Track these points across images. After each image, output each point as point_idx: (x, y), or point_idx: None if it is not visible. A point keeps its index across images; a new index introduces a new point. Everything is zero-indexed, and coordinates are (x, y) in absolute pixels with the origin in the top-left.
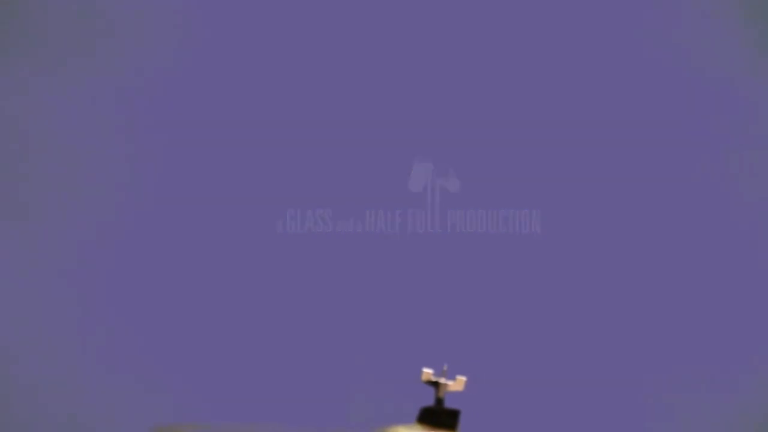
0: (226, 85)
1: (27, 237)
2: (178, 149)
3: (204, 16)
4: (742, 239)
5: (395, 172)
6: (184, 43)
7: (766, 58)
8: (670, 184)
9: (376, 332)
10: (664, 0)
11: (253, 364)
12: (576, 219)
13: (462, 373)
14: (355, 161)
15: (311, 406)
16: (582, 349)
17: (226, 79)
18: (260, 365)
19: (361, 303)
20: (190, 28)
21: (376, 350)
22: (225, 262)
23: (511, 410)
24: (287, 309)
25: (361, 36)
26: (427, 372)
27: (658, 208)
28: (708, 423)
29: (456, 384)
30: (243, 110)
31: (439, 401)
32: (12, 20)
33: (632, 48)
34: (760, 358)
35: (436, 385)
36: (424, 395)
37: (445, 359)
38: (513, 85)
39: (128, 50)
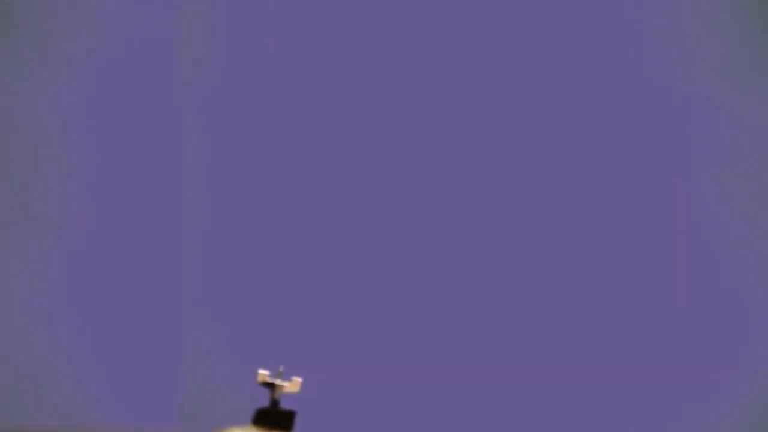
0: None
1: None
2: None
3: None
4: (739, 241)
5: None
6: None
7: (758, 60)
8: (665, 185)
9: (212, 332)
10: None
11: (85, 362)
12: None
13: (298, 375)
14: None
15: (146, 405)
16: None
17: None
18: (92, 363)
19: (197, 301)
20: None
21: (212, 350)
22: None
23: (349, 411)
24: (123, 305)
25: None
26: (263, 373)
27: (649, 211)
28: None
29: (292, 385)
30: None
31: (274, 402)
32: None
33: (627, 51)
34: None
35: (271, 386)
36: (260, 396)
37: (281, 360)
38: (502, 92)
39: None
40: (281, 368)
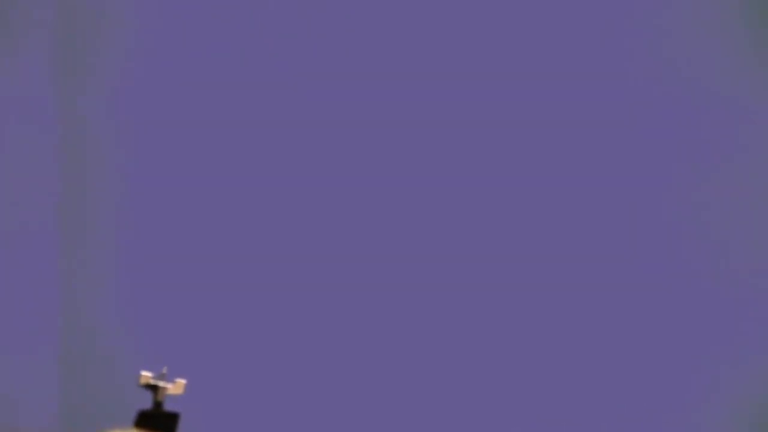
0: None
1: None
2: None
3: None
4: (740, 241)
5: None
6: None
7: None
8: (664, 185)
9: (91, 333)
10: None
11: None
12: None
13: (182, 376)
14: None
15: (26, 406)
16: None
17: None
18: None
19: (74, 300)
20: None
21: (95, 351)
22: None
23: (236, 413)
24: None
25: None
26: (146, 375)
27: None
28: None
29: (175, 387)
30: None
31: (157, 405)
32: None
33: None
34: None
35: (154, 388)
36: (145, 399)
37: (164, 362)
38: (503, 87)
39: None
40: (165, 369)
